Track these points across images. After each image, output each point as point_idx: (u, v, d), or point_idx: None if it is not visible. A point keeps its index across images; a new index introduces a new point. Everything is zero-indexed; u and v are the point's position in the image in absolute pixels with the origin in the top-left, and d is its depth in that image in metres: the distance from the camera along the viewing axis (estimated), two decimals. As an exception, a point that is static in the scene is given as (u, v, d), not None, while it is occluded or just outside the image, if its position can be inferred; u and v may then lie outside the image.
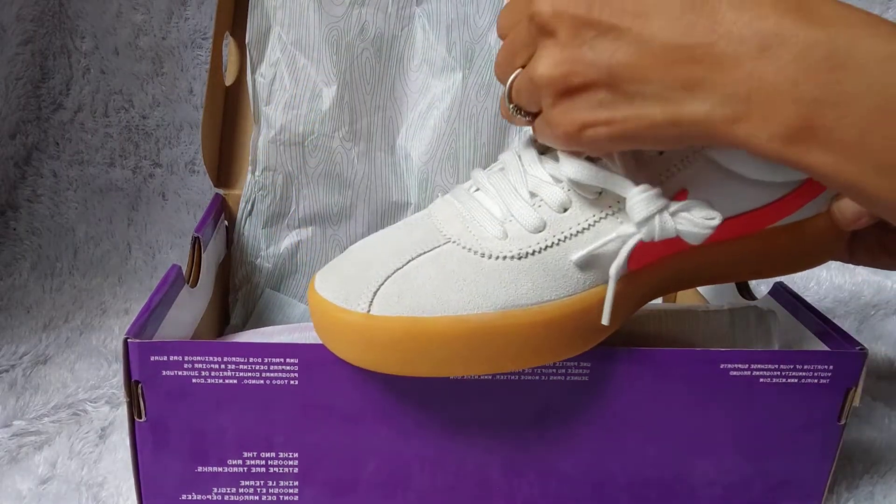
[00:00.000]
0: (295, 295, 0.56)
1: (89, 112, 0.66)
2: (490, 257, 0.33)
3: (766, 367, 0.37)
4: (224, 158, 0.56)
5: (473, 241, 0.34)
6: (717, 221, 0.31)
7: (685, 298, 0.57)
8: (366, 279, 0.33)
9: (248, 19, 0.52)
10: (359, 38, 0.53)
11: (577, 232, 0.33)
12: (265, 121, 0.53)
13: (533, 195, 0.34)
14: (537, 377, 0.36)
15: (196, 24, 0.64)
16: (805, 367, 0.37)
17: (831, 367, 0.37)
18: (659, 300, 0.58)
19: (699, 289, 0.54)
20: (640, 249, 0.33)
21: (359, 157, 0.54)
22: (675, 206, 0.31)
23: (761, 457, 0.39)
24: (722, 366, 0.37)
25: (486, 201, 0.35)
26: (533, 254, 0.33)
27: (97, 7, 0.63)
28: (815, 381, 0.38)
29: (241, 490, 0.38)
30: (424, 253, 0.34)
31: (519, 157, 0.36)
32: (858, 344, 0.38)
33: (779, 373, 0.37)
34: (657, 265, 0.35)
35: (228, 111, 0.56)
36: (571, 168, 0.32)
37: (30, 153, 0.66)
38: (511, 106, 0.33)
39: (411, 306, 0.32)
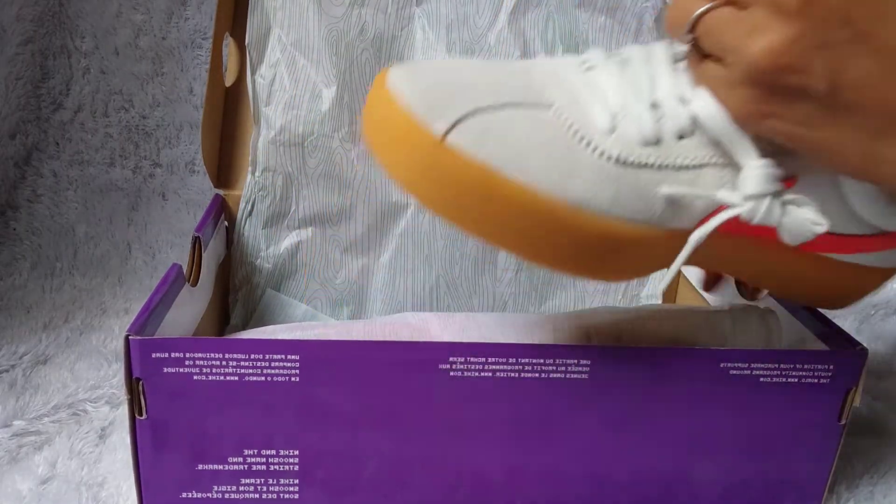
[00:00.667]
0: (295, 295, 0.56)
1: (89, 112, 0.66)
2: (588, 146, 0.29)
3: (767, 366, 0.37)
4: (224, 159, 0.56)
5: (578, 120, 0.29)
6: (822, 229, 0.29)
7: (685, 299, 0.57)
8: (453, 99, 0.28)
9: (248, 20, 0.52)
10: (359, 38, 0.53)
11: (681, 166, 0.30)
12: (265, 121, 0.53)
13: (655, 106, 0.30)
14: (537, 375, 0.36)
15: (196, 24, 0.64)
16: (805, 367, 0.37)
17: (831, 367, 0.37)
18: (659, 300, 0.58)
19: (699, 288, 0.54)
20: (730, 222, 0.30)
21: (358, 157, 0.54)
22: (789, 194, 0.29)
23: (761, 457, 0.39)
24: (722, 365, 0.37)
25: (603, 84, 0.30)
26: (632, 165, 0.29)
27: (97, 7, 0.63)
28: (815, 381, 0.38)
29: (241, 488, 0.38)
30: (523, 105, 0.29)
31: (649, 55, 0.31)
32: (858, 344, 0.38)
33: (779, 372, 0.37)
34: (726, 241, 0.32)
35: (228, 111, 0.56)
36: (703, 106, 0.29)
37: (30, 153, 0.66)
38: (688, 35, 0.28)
39: (491, 154, 0.28)
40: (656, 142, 0.30)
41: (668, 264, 0.32)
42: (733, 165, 0.30)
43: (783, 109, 0.27)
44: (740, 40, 0.26)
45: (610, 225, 0.30)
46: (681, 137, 0.30)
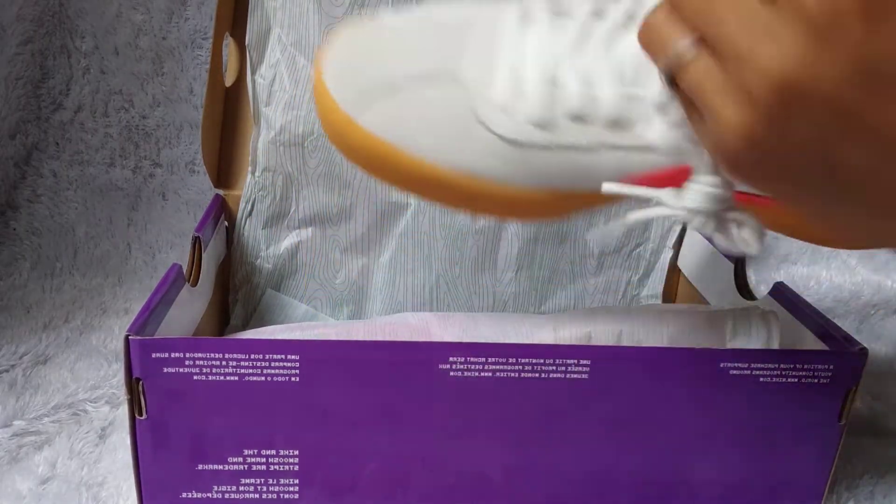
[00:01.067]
0: (295, 295, 0.56)
1: (89, 112, 0.66)
2: (482, 124, 0.30)
3: (766, 366, 0.37)
4: (224, 159, 0.56)
5: (479, 96, 0.30)
6: (754, 251, 0.28)
7: (685, 298, 0.57)
8: (367, 81, 0.31)
9: (248, 20, 0.52)
10: (359, 38, 0.53)
11: (574, 147, 0.29)
12: (265, 122, 0.53)
13: (554, 84, 0.29)
14: (537, 375, 0.36)
15: (196, 24, 0.64)
16: (805, 367, 0.37)
17: (831, 367, 0.37)
18: (659, 300, 0.58)
19: (699, 289, 0.54)
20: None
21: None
22: (733, 215, 0.28)
23: (761, 457, 0.39)
24: (722, 365, 0.37)
25: (526, 48, 0.30)
26: (522, 145, 0.30)
27: (97, 7, 0.63)
28: (815, 381, 0.38)
29: (241, 488, 0.38)
30: (432, 80, 0.31)
31: (598, 12, 0.29)
32: (858, 344, 0.38)
33: (779, 372, 0.37)
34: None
35: (228, 111, 0.56)
36: (660, 92, 0.27)
37: (30, 153, 0.66)
38: (663, 75, 0.25)
39: (392, 131, 0.31)
40: (547, 125, 0.29)
41: (588, 206, 0.33)
42: (640, 149, 0.29)
43: (767, 186, 0.24)
44: (718, 111, 0.22)
45: (506, 190, 0.31)
46: (576, 120, 0.29)
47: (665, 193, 0.28)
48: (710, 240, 0.30)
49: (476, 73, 0.30)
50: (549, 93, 0.29)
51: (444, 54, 0.31)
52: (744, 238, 0.28)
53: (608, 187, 0.29)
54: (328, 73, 0.32)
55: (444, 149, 0.31)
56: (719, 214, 0.28)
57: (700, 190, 0.28)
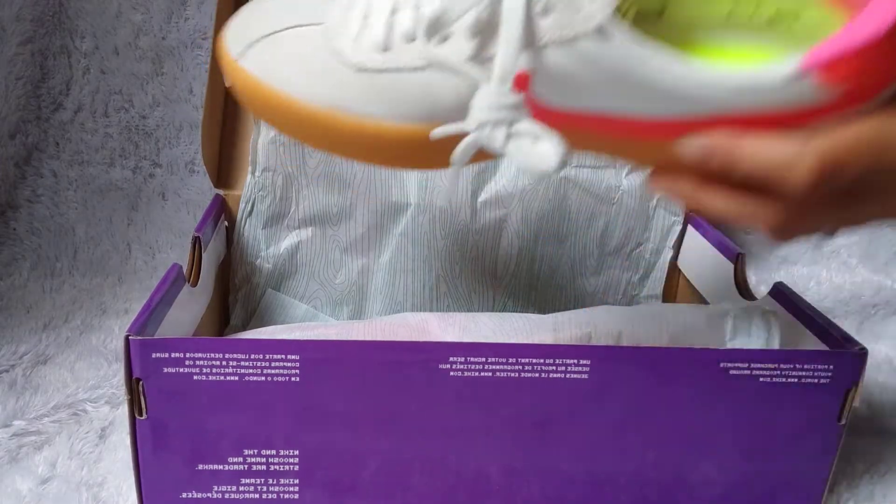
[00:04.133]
0: (295, 295, 0.56)
1: (89, 112, 0.66)
2: (337, 56, 0.32)
3: (766, 366, 0.37)
4: (224, 159, 0.56)
5: (337, 33, 0.33)
6: (553, 163, 0.28)
7: (685, 298, 0.57)
8: (250, 29, 0.34)
9: (249, 19, 0.52)
10: (359, 38, 0.53)
11: (411, 69, 0.31)
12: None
13: (394, 11, 0.32)
14: (537, 375, 0.36)
15: (196, 24, 0.64)
16: (805, 367, 0.37)
17: (831, 367, 0.37)
18: (659, 300, 0.58)
19: (699, 289, 0.54)
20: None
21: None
22: (526, 127, 0.28)
23: (761, 457, 0.39)
24: (722, 365, 0.37)
25: None
26: (369, 70, 0.32)
27: (97, 7, 0.63)
28: (815, 381, 0.38)
29: (241, 488, 0.38)
30: (302, 25, 0.33)
31: None
32: (858, 344, 0.38)
33: (779, 372, 0.37)
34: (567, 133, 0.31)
35: (228, 111, 0.56)
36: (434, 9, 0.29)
37: (30, 153, 0.66)
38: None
39: (265, 70, 0.33)
40: (386, 48, 0.31)
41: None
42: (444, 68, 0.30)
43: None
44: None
45: (369, 124, 0.32)
46: (410, 41, 0.31)
47: (475, 114, 0.29)
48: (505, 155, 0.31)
49: (337, 17, 0.33)
50: (389, 21, 0.32)
51: (318, 10, 0.34)
52: (540, 153, 0.28)
53: (435, 133, 0.31)
54: (227, 34, 0.35)
55: (308, 83, 0.32)
56: (510, 125, 0.28)
57: (485, 100, 0.28)
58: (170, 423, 0.36)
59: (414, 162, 0.35)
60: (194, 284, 0.44)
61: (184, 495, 0.37)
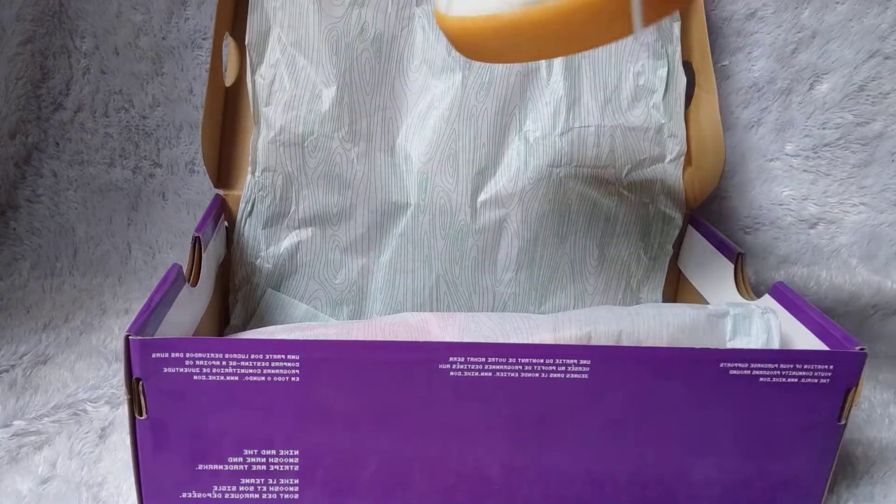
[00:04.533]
0: (295, 295, 0.56)
1: (89, 112, 0.66)
2: None
3: (766, 366, 0.37)
4: (224, 159, 0.56)
5: None
6: None
7: (685, 298, 0.57)
8: None
9: (248, 20, 0.52)
10: (358, 38, 0.53)
11: None
12: (265, 122, 0.53)
13: None
14: (537, 375, 0.36)
15: (196, 24, 0.64)
16: (805, 366, 0.37)
17: (831, 367, 0.37)
18: (659, 300, 0.58)
19: (699, 289, 0.54)
20: None
21: (358, 157, 0.54)
22: None
23: (761, 457, 0.39)
24: (722, 365, 0.37)
25: None
26: None
27: (97, 7, 0.63)
28: (815, 380, 0.38)
29: (241, 488, 0.38)
30: None
31: None
32: (858, 344, 0.38)
33: (779, 372, 0.37)
34: None
35: (228, 111, 0.56)
36: None
37: (30, 153, 0.66)
38: None
39: (471, 9, 0.35)
40: None
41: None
42: None
43: None
44: None
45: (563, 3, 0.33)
46: None
47: None
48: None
49: None
50: None
51: None
52: None
53: None
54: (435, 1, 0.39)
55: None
56: None
57: None
58: (170, 423, 0.36)
59: (609, 28, 0.35)
60: (194, 284, 0.44)
61: (184, 495, 0.37)
